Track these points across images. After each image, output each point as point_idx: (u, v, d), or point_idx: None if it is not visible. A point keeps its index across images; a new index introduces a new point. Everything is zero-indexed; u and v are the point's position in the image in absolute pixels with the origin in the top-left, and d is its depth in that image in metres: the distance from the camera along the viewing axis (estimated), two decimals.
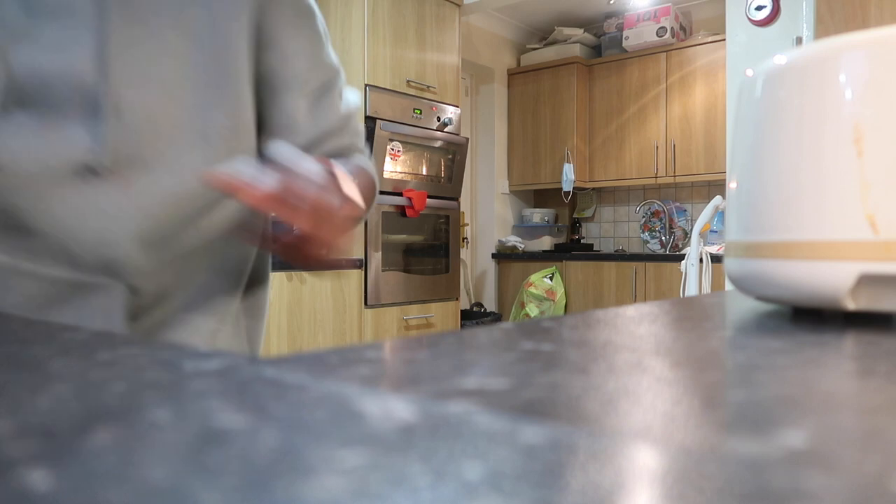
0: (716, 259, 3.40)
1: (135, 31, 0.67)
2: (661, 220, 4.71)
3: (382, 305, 3.15)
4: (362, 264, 3.09)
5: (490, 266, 4.80)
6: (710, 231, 4.20)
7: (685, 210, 4.65)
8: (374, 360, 0.30)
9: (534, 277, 4.43)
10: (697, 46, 4.28)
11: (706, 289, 2.81)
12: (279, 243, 0.65)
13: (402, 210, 3.26)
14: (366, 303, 3.11)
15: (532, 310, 4.38)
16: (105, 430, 0.18)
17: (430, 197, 3.43)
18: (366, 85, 3.12)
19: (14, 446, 0.17)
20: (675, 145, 4.36)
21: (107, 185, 0.66)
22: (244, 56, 0.73)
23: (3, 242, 0.67)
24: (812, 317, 0.47)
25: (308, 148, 0.77)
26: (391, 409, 0.21)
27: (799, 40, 2.78)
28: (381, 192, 3.00)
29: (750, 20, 2.92)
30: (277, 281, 2.73)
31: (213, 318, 0.78)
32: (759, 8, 2.89)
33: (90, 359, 0.29)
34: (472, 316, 4.35)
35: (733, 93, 2.98)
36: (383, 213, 3.19)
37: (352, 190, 0.64)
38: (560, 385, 0.25)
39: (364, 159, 0.84)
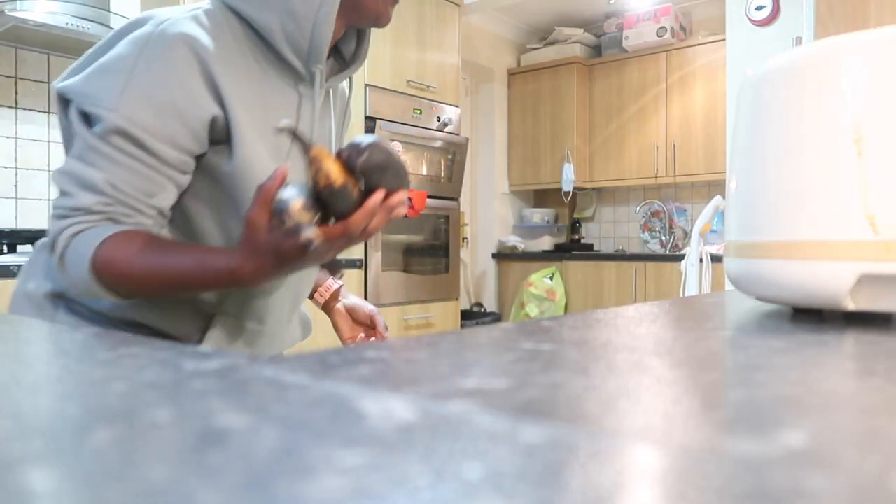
0: (716, 259, 3.40)
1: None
2: (661, 220, 4.71)
3: (382, 305, 3.15)
4: (362, 264, 3.09)
5: (490, 266, 4.80)
6: (710, 231, 4.20)
7: (685, 210, 4.65)
8: (374, 360, 0.30)
9: (534, 277, 4.43)
10: (697, 46, 4.28)
11: (706, 289, 2.81)
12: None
13: None
14: None
15: (532, 310, 4.38)
16: (105, 430, 0.18)
17: (430, 197, 3.43)
18: (366, 85, 3.12)
19: (14, 446, 0.17)
20: (675, 145, 4.36)
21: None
22: None
23: None
24: (812, 317, 0.47)
25: None
26: (391, 409, 0.21)
27: (799, 40, 2.78)
28: None
29: (750, 20, 2.92)
30: None
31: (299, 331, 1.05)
32: (759, 8, 2.89)
33: (90, 359, 0.29)
34: (472, 316, 4.35)
35: (733, 93, 2.98)
36: None
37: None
38: (560, 385, 0.25)
39: None
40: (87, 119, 0.79)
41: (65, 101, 0.83)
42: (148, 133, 0.76)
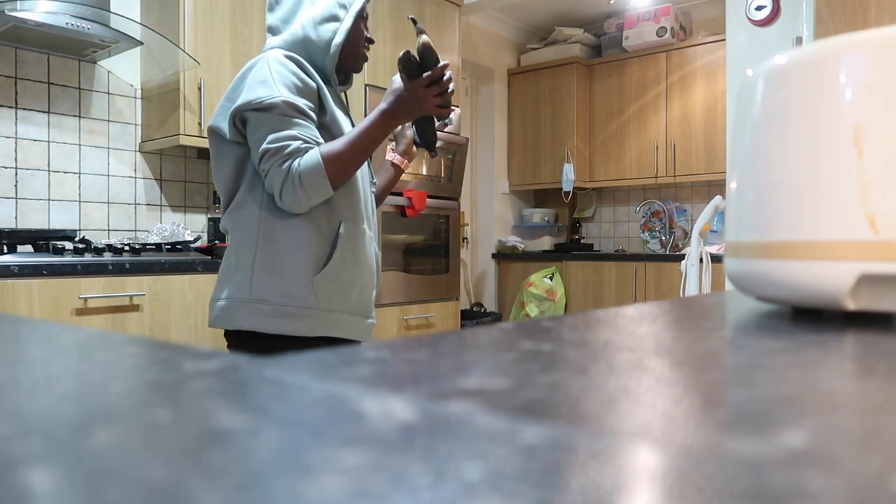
0: (716, 259, 3.39)
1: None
2: (661, 220, 4.71)
3: (382, 305, 3.15)
4: None
5: (490, 266, 4.80)
6: (710, 231, 4.20)
7: (685, 210, 4.65)
8: (374, 360, 0.30)
9: (534, 277, 4.43)
10: (697, 46, 4.28)
11: (706, 289, 2.81)
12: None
13: (402, 210, 3.26)
14: None
15: (532, 310, 4.38)
16: (105, 430, 0.18)
17: (430, 197, 3.43)
18: (366, 85, 3.12)
19: (14, 446, 0.17)
20: (675, 145, 4.36)
21: None
22: None
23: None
24: (812, 317, 0.47)
25: None
26: (391, 409, 0.21)
27: (799, 40, 2.78)
28: None
29: (750, 20, 2.92)
30: None
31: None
32: (759, 8, 2.89)
33: (90, 359, 0.29)
34: (472, 316, 4.35)
35: (733, 93, 2.98)
36: (383, 213, 3.19)
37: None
38: (560, 385, 0.25)
39: None
40: (244, 124, 1.33)
41: (217, 134, 1.37)
42: (298, 101, 1.30)
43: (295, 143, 1.28)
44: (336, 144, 1.30)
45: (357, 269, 1.42)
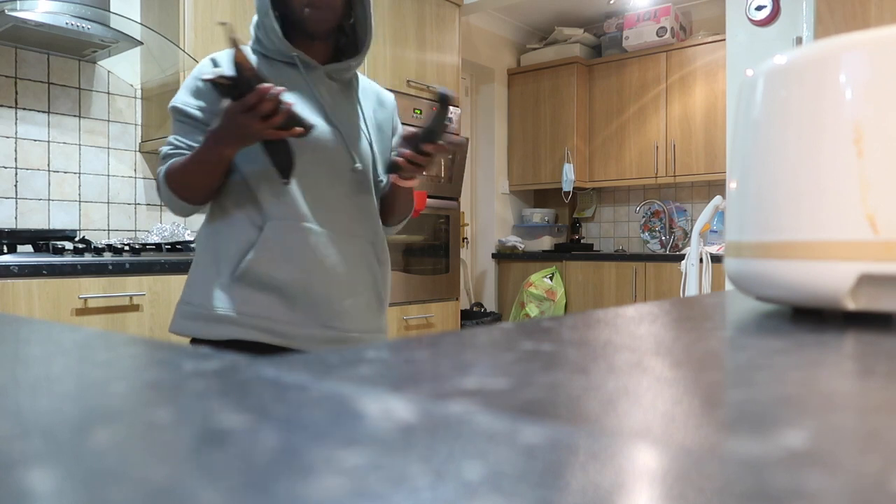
0: (716, 259, 3.39)
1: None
2: (661, 220, 4.71)
3: None
4: None
5: (490, 266, 4.80)
6: (710, 231, 4.20)
7: (685, 210, 4.65)
8: (374, 360, 0.30)
9: (534, 277, 4.43)
10: (697, 46, 4.28)
11: (706, 289, 2.81)
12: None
13: None
14: None
15: (532, 310, 4.38)
16: (105, 430, 0.18)
17: (430, 197, 3.43)
18: None
19: (14, 446, 0.17)
20: (675, 145, 4.36)
21: None
22: None
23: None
24: (812, 317, 0.47)
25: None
26: (391, 409, 0.21)
27: (799, 40, 2.78)
28: None
29: (750, 20, 2.92)
30: None
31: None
32: (759, 8, 2.89)
33: (90, 359, 0.29)
34: (472, 316, 4.35)
35: (733, 93, 2.98)
36: None
37: None
38: (560, 385, 0.25)
39: None
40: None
41: None
42: (188, 106, 1.28)
43: (164, 149, 1.28)
44: (178, 161, 1.23)
45: (293, 272, 1.25)
